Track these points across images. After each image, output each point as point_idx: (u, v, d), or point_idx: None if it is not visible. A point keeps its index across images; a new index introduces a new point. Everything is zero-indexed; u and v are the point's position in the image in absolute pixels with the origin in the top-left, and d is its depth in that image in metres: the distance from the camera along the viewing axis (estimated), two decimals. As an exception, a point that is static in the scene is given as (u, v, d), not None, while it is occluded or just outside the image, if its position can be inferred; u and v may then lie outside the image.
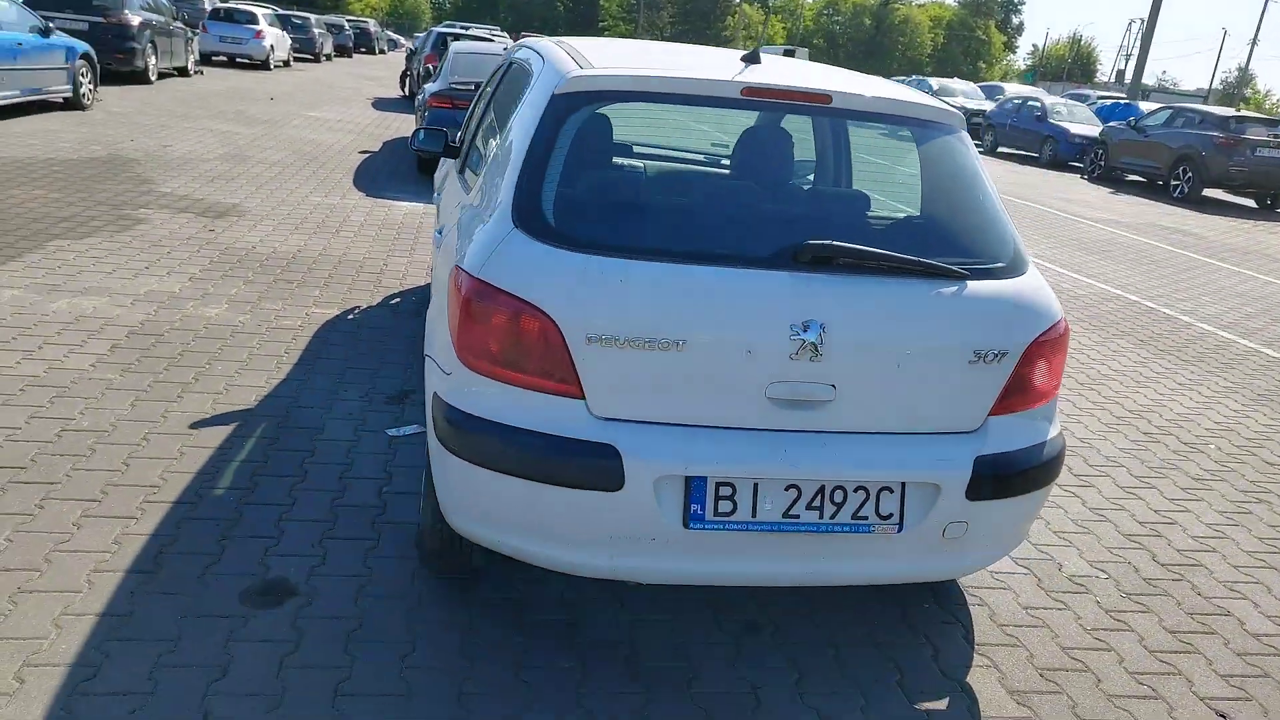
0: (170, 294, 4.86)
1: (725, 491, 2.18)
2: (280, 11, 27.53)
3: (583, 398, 2.15)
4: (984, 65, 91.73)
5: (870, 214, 2.64)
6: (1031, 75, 65.98)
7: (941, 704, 2.42)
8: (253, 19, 22.76)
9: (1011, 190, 14.71)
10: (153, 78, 15.87)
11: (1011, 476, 2.34)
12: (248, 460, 3.23)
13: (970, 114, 24.00)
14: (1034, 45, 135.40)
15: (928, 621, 2.77)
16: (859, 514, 2.24)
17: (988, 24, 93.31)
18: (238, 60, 22.36)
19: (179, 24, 17.84)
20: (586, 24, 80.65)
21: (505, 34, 23.41)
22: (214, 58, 21.93)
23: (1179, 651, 2.78)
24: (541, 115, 2.37)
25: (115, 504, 2.86)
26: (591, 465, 2.12)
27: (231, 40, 22.10)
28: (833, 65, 3.39)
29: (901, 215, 2.68)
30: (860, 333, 2.20)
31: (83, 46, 11.83)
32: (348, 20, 42.65)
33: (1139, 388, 5.30)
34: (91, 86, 12.01)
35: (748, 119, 2.85)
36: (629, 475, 2.12)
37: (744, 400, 2.18)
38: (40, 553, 2.58)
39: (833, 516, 2.23)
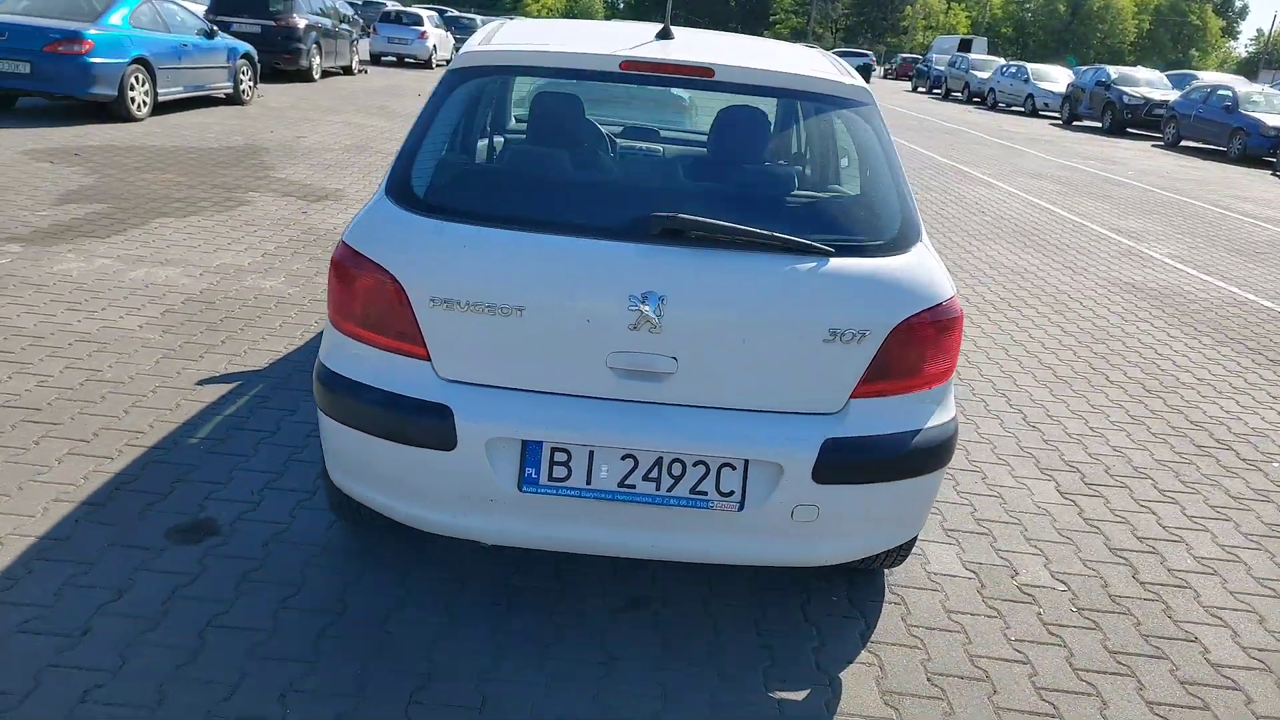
0: (238, 267, 5.31)
1: (560, 457, 2.20)
2: (450, 14, 29.03)
3: (429, 359, 2.23)
4: (1196, 53, 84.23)
5: (753, 189, 2.56)
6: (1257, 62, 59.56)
7: (799, 695, 2.34)
8: (417, 21, 24.17)
9: (1175, 185, 13.50)
10: (316, 76, 17.17)
11: (868, 462, 2.23)
12: (233, 415, 3.51)
13: (1152, 105, 22.18)
14: (1258, 30, 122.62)
15: (827, 613, 2.66)
16: (697, 489, 2.20)
17: (1203, 8, 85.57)
18: (406, 60, 23.77)
19: (345, 26, 19.21)
20: (758, 19, 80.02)
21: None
22: (383, 58, 23.42)
23: (1110, 673, 2.55)
24: (434, 91, 2.47)
25: (99, 446, 3.20)
26: (427, 425, 2.19)
27: (398, 41, 23.55)
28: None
29: (787, 190, 2.58)
30: (701, 307, 2.16)
31: (244, 47, 12.95)
32: (519, 20, 44.21)
33: (1219, 398, 4.80)
34: (251, 84, 13.14)
35: (728, 100, 2.81)
36: (461, 436, 2.18)
37: (585, 368, 2.19)
38: (15, 481, 2.93)
39: (669, 489, 2.20)
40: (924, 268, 2.30)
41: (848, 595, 2.76)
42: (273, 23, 15.92)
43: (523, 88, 2.75)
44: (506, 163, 2.41)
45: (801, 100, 2.48)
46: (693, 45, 2.59)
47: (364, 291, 2.24)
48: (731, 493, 2.20)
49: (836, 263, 2.22)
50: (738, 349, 2.18)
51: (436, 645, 2.40)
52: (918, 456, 2.29)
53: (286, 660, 2.28)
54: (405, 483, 2.29)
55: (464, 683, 2.27)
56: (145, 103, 10.52)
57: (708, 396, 2.22)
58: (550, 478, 2.20)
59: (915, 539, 2.63)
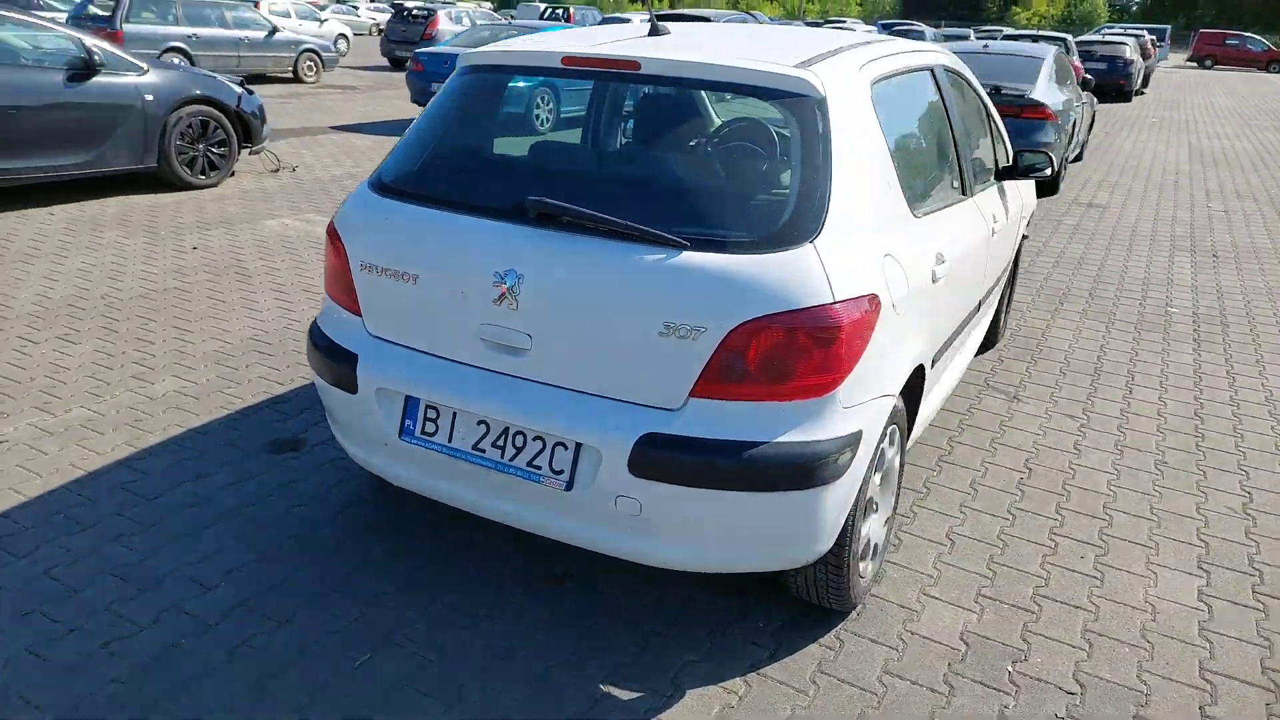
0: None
1: (431, 414, 2.39)
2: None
3: (360, 316, 2.56)
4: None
5: (644, 179, 2.45)
6: None
7: (619, 692, 2.26)
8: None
9: None
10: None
11: (690, 464, 2.07)
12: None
13: None
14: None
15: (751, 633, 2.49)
16: (533, 462, 2.24)
17: None
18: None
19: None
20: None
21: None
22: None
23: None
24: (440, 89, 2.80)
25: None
26: (340, 370, 2.52)
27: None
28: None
29: (677, 182, 2.43)
30: (552, 288, 2.20)
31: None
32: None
33: None
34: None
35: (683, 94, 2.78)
36: (360, 384, 2.47)
37: (461, 336, 2.36)
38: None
39: (511, 459, 2.27)
40: (794, 268, 2.08)
41: (793, 621, 2.54)
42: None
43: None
44: (444, 150, 2.63)
45: (733, 93, 2.36)
46: (663, 42, 2.58)
47: (331, 258, 2.64)
48: (561, 471, 2.21)
49: (686, 256, 2.11)
50: (584, 333, 2.18)
51: (340, 591, 2.73)
52: (759, 470, 2.07)
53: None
54: (339, 420, 2.65)
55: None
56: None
57: (557, 376, 2.24)
58: (422, 431, 2.41)
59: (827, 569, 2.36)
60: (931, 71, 3.14)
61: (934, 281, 2.62)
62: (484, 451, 2.31)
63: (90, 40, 6.86)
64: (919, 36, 26.39)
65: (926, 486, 3.35)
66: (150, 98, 7.11)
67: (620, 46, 2.51)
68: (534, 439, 2.24)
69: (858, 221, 2.25)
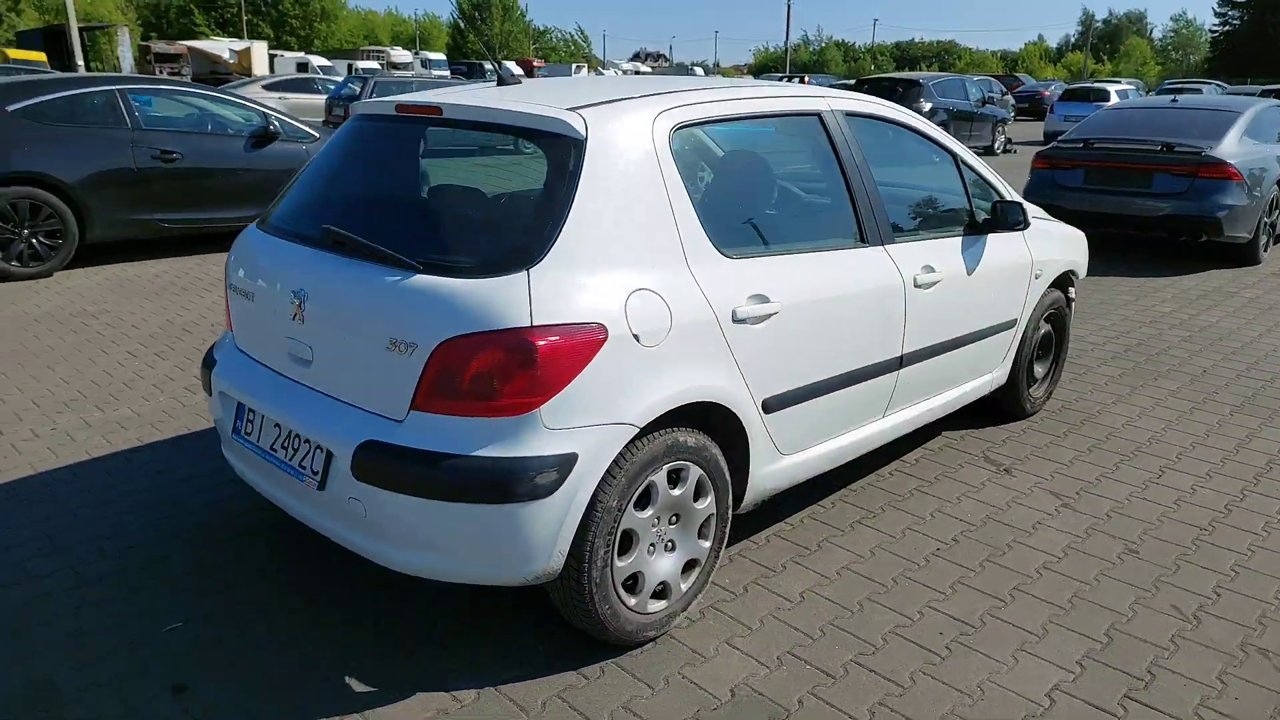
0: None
1: (249, 415, 2.71)
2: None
3: (231, 330, 2.95)
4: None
5: (418, 209, 2.64)
6: None
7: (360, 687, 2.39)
8: (1103, 96, 22.85)
9: None
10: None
11: (396, 470, 2.21)
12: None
13: None
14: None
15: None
16: (301, 463, 2.48)
17: None
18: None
19: (992, 107, 19.41)
20: None
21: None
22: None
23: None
24: None
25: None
26: (204, 376, 2.94)
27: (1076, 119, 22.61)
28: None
29: (441, 211, 2.59)
30: (322, 304, 2.46)
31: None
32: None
33: None
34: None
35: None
36: (211, 387, 2.86)
37: (276, 348, 2.66)
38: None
39: (289, 459, 2.52)
40: (498, 293, 2.19)
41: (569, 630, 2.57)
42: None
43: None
44: (305, 187, 2.95)
45: (509, 134, 2.52)
46: (502, 91, 2.79)
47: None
48: (317, 472, 2.43)
49: (417, 279, 2.28)
50: (342, 345, 2.41)
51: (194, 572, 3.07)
52: (455, 481, 2.17)
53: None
54: (215, 421, 3.03)
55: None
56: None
57: (328, 385, 2.48)
58: (245, 431, 2.73)
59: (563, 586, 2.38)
60: (819, 117, 3.09)
61: (736, 321, 2.58)
62: (276, 452, 2.58)
63: (273, 113, 8.11)
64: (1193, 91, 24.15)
65: (821, 545, 3.19)
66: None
67: (444, 94, 2.75)
68: (304, 441, 2.49)
69: (599, 257, 2.32)
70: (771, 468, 2.88)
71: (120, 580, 2.89)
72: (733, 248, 2.66)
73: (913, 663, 2.56)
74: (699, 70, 71.07)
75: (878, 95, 14.01)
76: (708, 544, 2.71)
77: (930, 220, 3.64)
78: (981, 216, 3.68)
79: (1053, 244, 4.16)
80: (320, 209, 2.80)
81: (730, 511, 2.76)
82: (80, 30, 48.82)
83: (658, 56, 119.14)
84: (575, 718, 2.31)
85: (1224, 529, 3.35)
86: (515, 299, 2.18)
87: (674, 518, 2.60)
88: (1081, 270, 4.47)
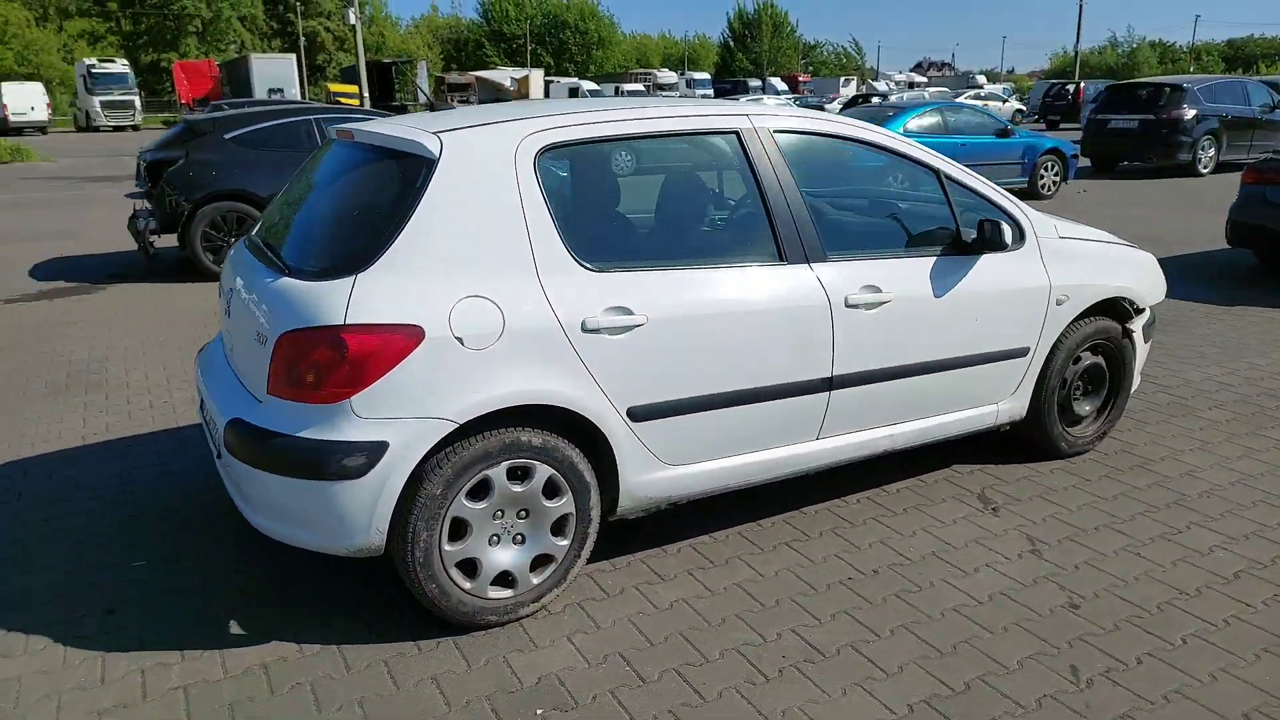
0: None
1: (200, 397, 3.21)
2: None
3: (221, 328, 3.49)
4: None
5: (306, 222, 2.96)
6: None
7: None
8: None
9: None
10: (1203, 171, 15.93)
11: (237, 445, 2.58)
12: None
13: None
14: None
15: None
16: (213, 435, 2.92)
17: None
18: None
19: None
20: None
21: None
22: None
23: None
24: None
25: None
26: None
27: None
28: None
29: (316, 223, 2.89)
30: (235, 302, 2.91)
31: (1050, 143, 13.29)
32: None
33: None
34: (1056, 179, 13.38)
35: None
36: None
37: (226, 338, 3.14)
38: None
39: (211, 432, 2.98)
40: (324, 294, 2.49)
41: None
42: (1153, 117, 15.66)
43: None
44: (275, 204, 3.39)
45: (385, 155, 2.79)
46: (429, 118, 3.10)
47: None
48: (217, 444, 2.85)
49: (280, 280, 2.64)
50: (241, 337, 2.84)
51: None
52: (277, 457, 2.51)
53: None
54: None
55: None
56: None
57: (238, 370, 2.91)
58: (200, 409, 3.23)
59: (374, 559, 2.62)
60: (737, 135, 3.10)
61: (587, 331, 2.70)
62: (208, 425, 3.06)
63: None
64: None
65: (730, 560, 3.19)
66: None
67: (364, 124, 3.10)
68: (213, 416, 2.93)
69: (431, 265, 2.55)
70: (653, 476, 2.94)
71: (119, 525, 3.50)
72: (599, 262, 2.78)
73: (732, 680, 2.55)
74: (981, 79, 66.85)
75: (1128, 101, 12.98)
76: (565, 542, 2.83)
77: (889, 239, 3.49)
78: (971, 237, 3.47)
79: (1089, 267, 3.79)
80: (269, 221, 3.26)
81: (594, 513, 2.86)
82: (388, 64, 55.31)
83: (941, 66, 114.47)
84: (384, 680, 2.56)
85: (1214, 596, 2.94)
86: (336, 300, 2.48)
87: (523, 512, 2.76)
88: (1145, 298, 4.02)
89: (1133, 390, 4.26)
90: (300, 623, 2.83)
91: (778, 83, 62.71)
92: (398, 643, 2.72)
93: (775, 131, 3.19)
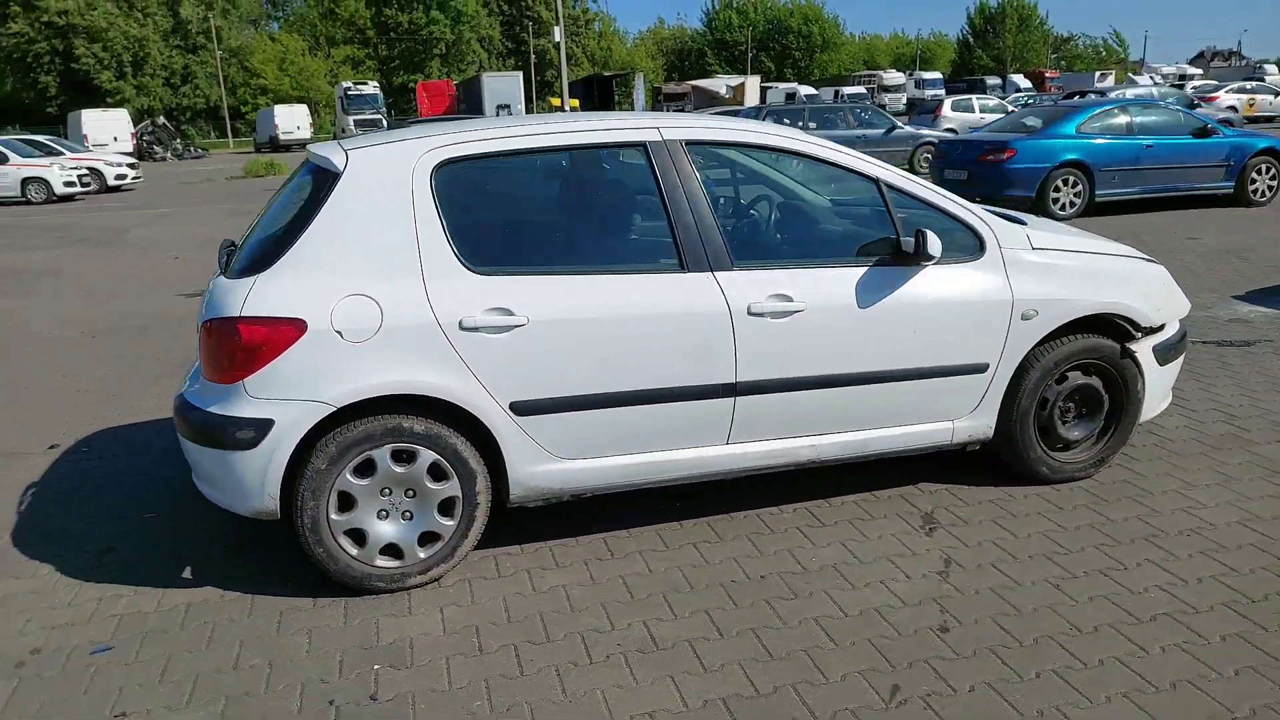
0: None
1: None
2: None
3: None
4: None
5: (264, 228, 3.29)
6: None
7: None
8: None
9: None
10: None
11: (180, 418, 3.06)
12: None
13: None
14: None
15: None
16: (188, 409, 3.45)
17: None
18: None
19: None
20: None
21: None
22: None
23: None
24: None
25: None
26: None
27: None
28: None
29: (262, 231, 3.24)
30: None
31: (1264, 142, 11.87)
32: None
33: None
34: (1273, 183, 11.94)
35: None
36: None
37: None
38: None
39: (193, 406, 3.52)
40: (231, 290, 2.92)
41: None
42: None
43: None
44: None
45: (313, 170, 3.16)
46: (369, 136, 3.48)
47: None
48: (186, 417, 3.38)
49: (217, 280, 3.11)
50: (206, 326, 3.35)
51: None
52: (189, 427, 2.98)
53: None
54: None
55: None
56: (1073, 203, 11.28)
57: (208, 355, 3.42)
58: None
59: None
60: (645, 147, 3.23)
61: (465, 329, 2.96)
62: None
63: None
64: None
65: (631, 555, 3.34)
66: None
67: (319, 145, 3.52)
68: None
69: (321, 267, 2.92)
70: (545, 468, 3.16)
71: (164, 485, 4.16)
72: (487, 267, 3.04)
73: (557, 660, 2.72)
74: (1272, 68, 58.60)
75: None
76: (451, 522, 3.11)
77: (815, 249, 3.47)
78: (912, 247, 3.39)
79: (1066, 281, 3.56)
80: (246, 230, 3.77)
81: (482, 498, 3.12)
82: (608, 78, 57.52)
83: (1228, 55, 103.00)
84: (271, 627, 2.96)
85: (1106, 636, 2.74)
86: (238, 295, 2.90)
87: (410, 492, 3.07)
88: (1148, 316, 3.70)
89: (1151, 415, 3.92)
90: (239, 574, 3.29)
91: (1020, 80, 58.89)
92: (301, 598, 3.12)
93: (687, 143, 3.30)
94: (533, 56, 58.93)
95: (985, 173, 11.23)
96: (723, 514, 3.63)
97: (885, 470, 3.90)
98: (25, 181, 20.16)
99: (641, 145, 3.26)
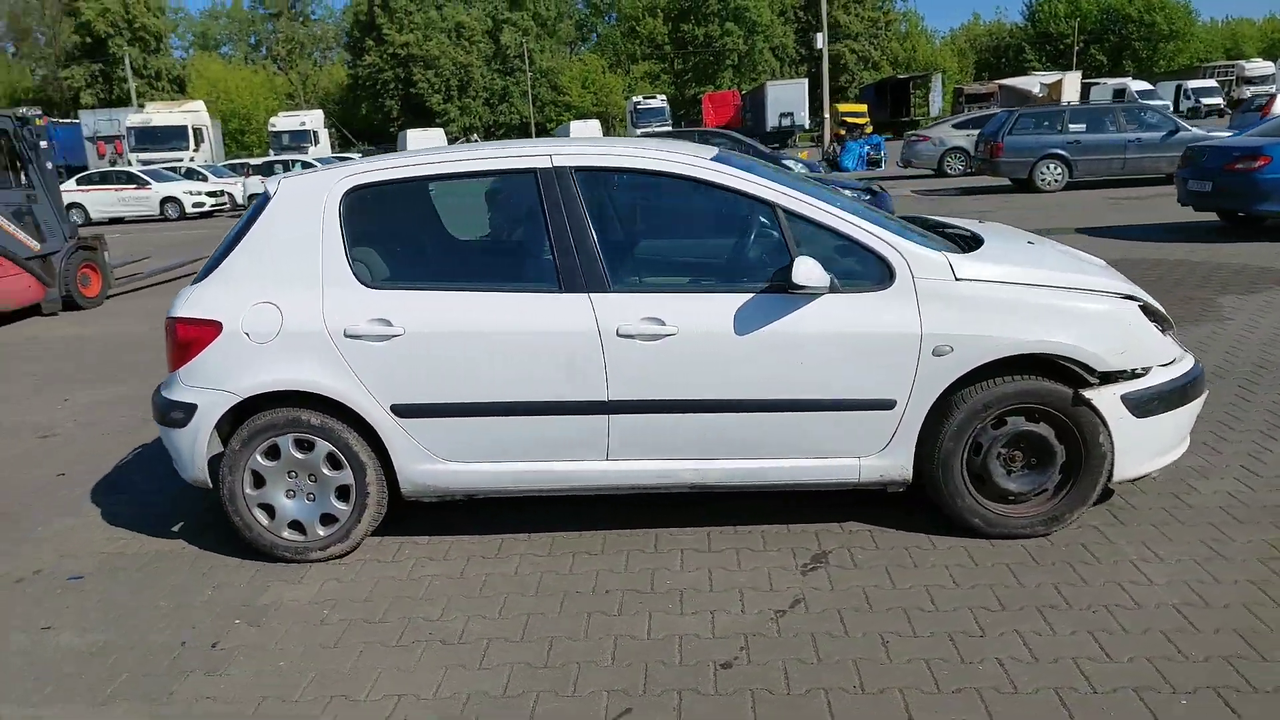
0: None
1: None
2: None
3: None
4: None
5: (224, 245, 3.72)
6: None
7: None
8: None
9: None
10: None
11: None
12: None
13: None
14: None
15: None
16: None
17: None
18: None
19: None
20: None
21: None
22: None
23: None
24: None
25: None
26: None
27: None
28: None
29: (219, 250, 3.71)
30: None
31: None
32: None
33: None
34: None
35: None
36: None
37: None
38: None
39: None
40: (180, 295, 3.53)
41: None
42: None
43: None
44: None
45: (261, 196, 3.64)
46: None
47: None
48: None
49: (184, 287, 3.75)
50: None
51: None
52: (154, 409, 3.63)
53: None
54: None
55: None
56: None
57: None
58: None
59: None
60: (535, 174, 3.41)
61: (348, 336, 3.35)
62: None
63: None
64: None
65: (512, 557, 3.55)
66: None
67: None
68: None
69: (242, 278, 3.45)
70: (430, 468, 3.47)
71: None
72: (378, 282, 3.42)
73: (370, 638, 3.03)
74: None
75: None
76: (346, 507, 3.52)
77: (699, 274, 3.43)
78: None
79: (992, 316, 3.24)
80: None
81: (373, 489, 3.49)
82: (904, 80, 55.53)
83: None
84: (193, 576, 3.54)
85: (889, 701, 2.55)
86: (180, 300, 3.51)
87: (312, 476, 3.52)
88: (1102, 359, 3.25)
89: (1138, 474, 3.43)
90: (215, 535, 3.93)
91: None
92: (227, 557, 3.68)
93: (576, 169, 3.44)
94: (826, 63, 58.42)
95: (1232, 183, 9.71)
96: (627, 528, 3.70)
97: (821, 505, 3.75)
98: (163, 202, 24.42)
99: (532, 172, 3.46)
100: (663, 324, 3.28)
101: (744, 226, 3.52)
